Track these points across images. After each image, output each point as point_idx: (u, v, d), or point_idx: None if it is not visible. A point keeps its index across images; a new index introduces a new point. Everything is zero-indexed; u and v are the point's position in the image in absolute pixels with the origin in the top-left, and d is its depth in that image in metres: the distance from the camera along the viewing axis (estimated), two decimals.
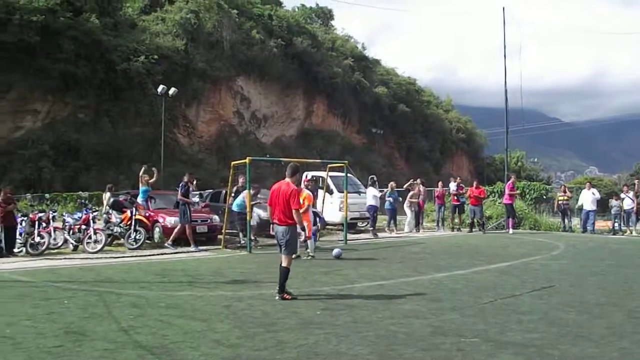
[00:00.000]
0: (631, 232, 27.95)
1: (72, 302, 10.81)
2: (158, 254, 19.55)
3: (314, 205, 24.66)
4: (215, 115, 68.69)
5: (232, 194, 22.57)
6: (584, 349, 7.71)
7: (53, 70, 50.50)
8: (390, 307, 10.37)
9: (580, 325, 9.00)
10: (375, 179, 28.89)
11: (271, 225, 12.15)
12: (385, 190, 28.91)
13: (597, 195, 28.60)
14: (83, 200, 30.29)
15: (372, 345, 7.79)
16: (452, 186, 30.53)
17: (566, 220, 29.74)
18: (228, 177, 23.16)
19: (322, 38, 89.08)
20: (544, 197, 34.54)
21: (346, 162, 25.38)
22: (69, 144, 51.61)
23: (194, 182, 24.04)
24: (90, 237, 20.06)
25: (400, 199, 30.27)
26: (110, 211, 22.96)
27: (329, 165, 27.31)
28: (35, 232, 19.46)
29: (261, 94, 75.70)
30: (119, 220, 21.96)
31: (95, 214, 21.44)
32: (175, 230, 20.91)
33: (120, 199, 24.61)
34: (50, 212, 21.49)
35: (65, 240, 20.62)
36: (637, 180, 30.12)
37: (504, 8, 37.05)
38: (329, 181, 27.42)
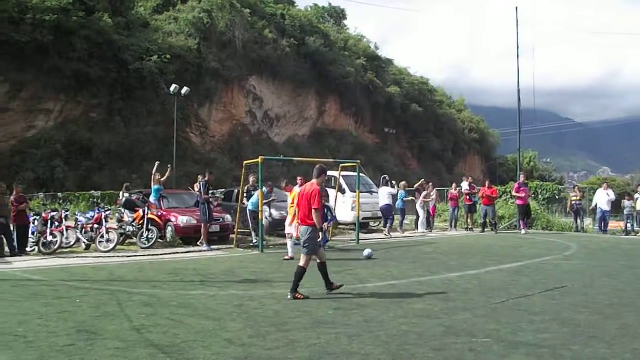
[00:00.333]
0: None
1: (84, 301, 10.83)
2: (170, 253, 19.58)
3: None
4: (228, 115, 68.66)
5: (245, 194, 22.58)
6: (596, 349, 7.69)
7: (65, 69, 50.56)
8: (402, 306, 10.36)
9: (592, 325, 8.97)
10: (387, 178, 28.88)
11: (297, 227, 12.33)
12: (398, 189, 28.91)
13: (612, 197, 28.39)
14: (95, 199, 30.39)
15: (383, 345, 7.78)
16: (464, 185, 30.49)
17: (578, 221, 29.62)
18: (240, 176, 23.17)
19: (335, 37, 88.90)
20: (556, 197, 34.44)
21: (358, 161, 25.37)
22: (81, 143, 51.65)
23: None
24: (102, 236, 20.13)
25: (411, 198, 30.28)
26: (123, 210, 23.01)
27: (341, 165, 27.26)
28: (48, 231, 19.50)
29: (273, 93, 75.62)
30: (131, 219, 22.00)
31: (107, 212, 21.52)
32: (202, 230, 20.97)
33: (133, 197, 24.63)
34: (63, 211, 21.60)
35: (78, 239, 20.69)
36: None
37: (516, 8, 37.06)
38: (341, 180, 27.38)
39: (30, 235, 19.96)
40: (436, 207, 31.65)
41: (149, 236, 20.91)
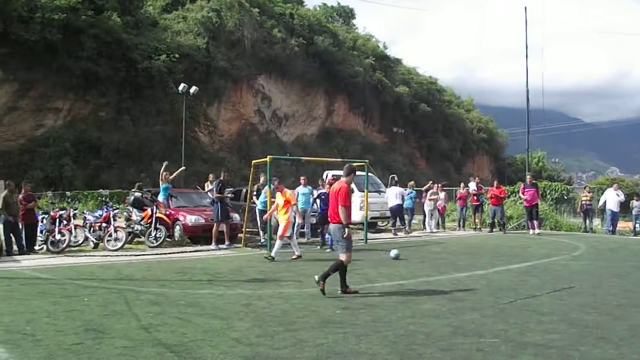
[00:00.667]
0: None
1: (92, 300, 10.84)
2: (178, 252, 19.60)
3: None
4: (236, 114, 68.73)
5: (255, 193, 22.59)
6: (605, 350, 7.66)
7: (74, 68, 50.68)
8: (410, 306, 10.34)
9: (600, 326, 8.93)
10: (396, 178, 28.86)
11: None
12: (407, 189, 28.92)
13: (622, 197, 28.26)
14: (104, 198, 30.44)
15: (391, 345, 7.76)
16: (472, 186, 30.45)
17: (587, 221, 29.53)
18: (249, 175, 23.17)
19: (344, 37, 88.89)
20: (565, 197, 34.36)
21: (367, 161, 25.31)
22: (90, 142, 51.77)
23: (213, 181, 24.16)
24: (110, 235, 20.16)
25: (418, 199, 30.32)
26: (131, 209, 23.04)
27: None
28: (56, 229, 19.53)
29: (282, 92, 75.67)
30: (139, 218, 22.02)
31: (115, 211, 21.55)
32: (224, 230, 20.97)
33: (141, 196, 24.65)
34: (71, 209, 21.61)
35: (86, 238, 20.73)
36: None
37: (525, 8, 36.97)
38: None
39: (38, 233, 20.00)
40: (445, 207, 31.59)
41: (157, 235, 20.92)
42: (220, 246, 20.60)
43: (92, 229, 21.03)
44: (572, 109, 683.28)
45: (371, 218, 26.82)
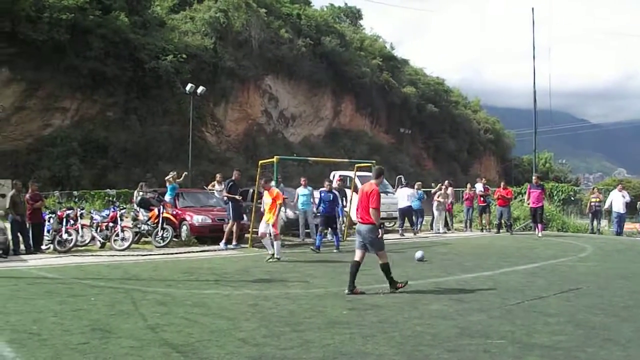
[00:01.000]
0: None
1: (99, 299, 10.87)
2: (185, 252, 19.62)
3: (343, 204, 24.71)
4: (243, 114, 68.72)
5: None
6: (612, 352, 7.66)
7: (82, 68, 50.73)
8: (417, 307, 10.34)
9: (607, 328, 8.93)
10: (403, 179, 28.86)
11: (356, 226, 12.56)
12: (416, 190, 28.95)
13: (628, 198, 28.24)
14: (111, 198, 30.48)
15: (398, 346, 7.76)
16: (479, 187, 30.42)
17: (595, 222, 29.48)
18: (256, 175, 23.18)
19: (351, 37, 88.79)
20: (572, 198, 34.31)
21: (374, 161, 25.30)
22: (97, 142, 51.83)
23: (221, 181, 24.20)
24: (117, 235, 20.20)
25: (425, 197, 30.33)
26: (138, 209, 23.07)
27: (356, 165, 27.24)
28: (63, 229, 19.59)
29: (289, 93, 75.61)
30: (146, 218, 22.05)
31: (122, 211, 21.58)
32: (234, 230, 20.96)
33: (148, 196, 24.67)
34: (78, 209, 21.67)
35: (93, 238, 20.79)
36: None
37: (532, 9, 36.90)
38: (357, 181, 27.32)
39: (45, 233, 20.06)
40: (452, 204, 31.58)
41: (164, 235, 20.95)
42: (228, 246, 20.62)
43: (99, 228, 21.09)
44: (579, 110, 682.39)
45: None
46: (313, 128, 79.85)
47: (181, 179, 25.74)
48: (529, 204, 27.99)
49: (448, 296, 11.44)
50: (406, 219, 28.24)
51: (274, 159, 20.91)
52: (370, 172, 24.30)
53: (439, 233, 29.03)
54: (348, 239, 24.49)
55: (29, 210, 19.36)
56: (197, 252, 19.83)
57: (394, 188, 31.16)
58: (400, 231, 27.63)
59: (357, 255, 11.94)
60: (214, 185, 26.09)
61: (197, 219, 22.12)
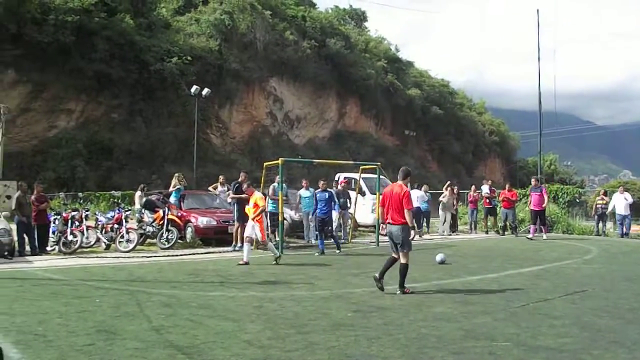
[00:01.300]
0: None
1: (104, 301, 10.88)
2: (190, 254, 19.63)
3: (347, 206, 24.72)
4: (248, 116, 68.80)
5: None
6: (617, 354, 7.64)
7: (87, 70, 50.88)
8: (422, 309, 10.33)
9: (613, 330, 8.91)
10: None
11: (383, 226, 12.89)
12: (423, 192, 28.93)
13: (630, 200, 28.20)
14: (116, 200, 30.51)
15: (403, 348, 7.75)
16: (485, 189, 30.39)
17: (600, 224, 29.42)
18: (260, 177, 23.18)
19: (356, 39, 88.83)
20: (577, 200, 34.24)
21: (379, 163, 25.29)
22: (102, 144, 51.97)
23: (224, 183, 24.23)
24: (122, 237, 20.22)
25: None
26: (143, 211, 23.09)
27: (361, 167, 27.22)
28: (68, 230, 19.63)
29: (294, 95, 75.67)
30: (151, 219, 22.07)
31: (127, 213, 21.60)
32: (239, 231, 20.92)
33: (153, 198, 24.69)
34: (83, 210, 21.68)
35: (98, 239, 20.82)
36: None
37: (537, 10, 36.86)
38: (362, 183, 27.32)
39: (50, 234, 20.10)
40: (457, 207, 31.58)
41: (169, 237, 20.97)
42: (236, 247, 20.60)
43: (104, 230, 21.13)
44: (584, 112, 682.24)
45: None
46: (318, 130, 79.91)
47: (183, 182, 25.73)
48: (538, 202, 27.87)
49: (453, 298, 11.43)
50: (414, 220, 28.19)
51: (279, 161, 20.87)
52: (375, 174, 24.39)
53: (443, 235, 29.02)
54: (353, 240, 24.53)
55: (35, 211, 19.41)
56: (202, 253, 19.84)
57: None
58: (419, 232, 27.63)
59: (402, 258, 12.05)
60: (215, 187, 26.09)
61: (202, 220, 22.11)
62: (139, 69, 54.55)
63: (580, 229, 30.71)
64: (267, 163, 22.78)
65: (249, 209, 17.49)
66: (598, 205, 29.17)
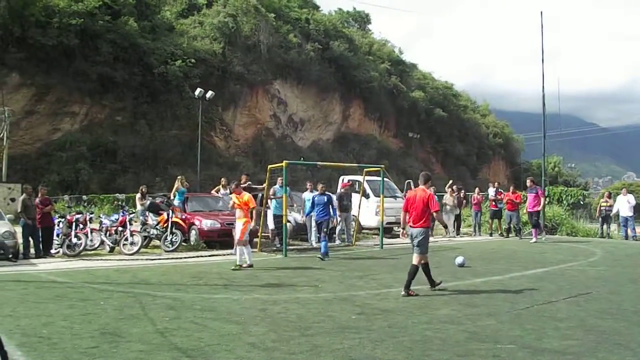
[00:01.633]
0: None
1: (108, 304, 10.88)
2: (194, 257, 19.61)
3: (350, 209, 24.70)
4: (252, 119, 68.91)
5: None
6: (622, 356, 7.61)
7: (91, 72, 51.05)
8: (426, 312, 10.31)
9: (618, 332, 8.87)
10: (412, 183, 28.79)
11: (404, 231, 12.82)
12: None
13: (633, 202, 28.13)
14: (120, 202, 30.50)
15: (407, 351, 7.73)
16: (491, 192, 30.34)
17: (604, 227, 29.35)
18: (264, 180, 23.17)
19: (359, 42, 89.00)
20: (581, 202, 34.17)
21: (382, 166, 25.30)
22: (106, 146, 52.13)
23: (228, 185, 24.22)
24: (126, 239, 20.20)
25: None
26: (147, 213, 23.10)
27: (365, 170, 27.18)
28: (72, 233, 19.65)
29: (298, 97, 75.78)
30: (155, 222, 22.08)
31: (131, 215, 21.62)
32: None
33: (157, 201, 24.69)
34: (88, 213, 21.73)
35: (102, 242, 20.82)
36: None
37: (541, 12, 36.75)
38: (366, 185, 27.26)
39: (55, 237, 20.13)
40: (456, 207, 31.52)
41: (173, 239, 20.95)
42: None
43: (108, 233, 21.12)
44: (588, 114, 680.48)
45: (387, 223, 26.72)
46: (322, 132, 79.99)
47: (186, 185, 25.72)
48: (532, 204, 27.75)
49: (457, 301, 11.41)
50: None
51: (283, 164, 20.86)
52: (379, 176, 24.36)
53: (447, 237, 28.96)
54: (357, 243, 24.50)
55: (39, 214, 19.43)
56: (206, 256, 19.82)
57: (402, 192, 31.08)
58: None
59: (415, 260, 12.22)
60: (218, 190, 26.07)
61: (206, 223, 22.09)
62: (143, 71, 54.72)
63: (585, 231, 30.62)
64: (271, 165, 22.73)
65: (239, 211, 17.08)
66: (602, 207, 29.08)
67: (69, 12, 49.33)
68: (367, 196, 27.60)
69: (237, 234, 16.95)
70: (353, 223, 25.37)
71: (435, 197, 12.65)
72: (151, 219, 22.56)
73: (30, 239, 19.27)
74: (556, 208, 31.68)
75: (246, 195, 17.19)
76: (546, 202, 29.37)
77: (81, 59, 50.57)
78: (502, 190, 30.69)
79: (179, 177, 25.23)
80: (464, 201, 32.41)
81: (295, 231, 24.28)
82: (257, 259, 18.33)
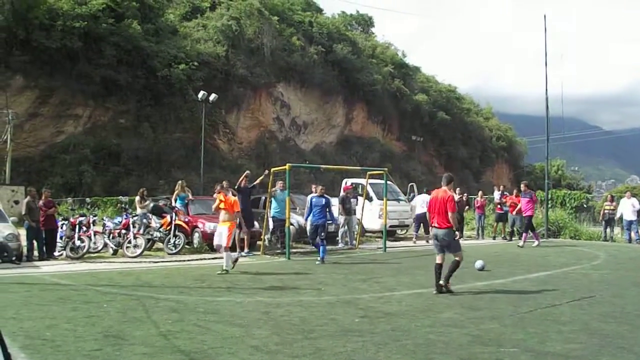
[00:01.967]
0: None
1: (112, 306, 10.88)
2: (197, 259, 19.63)
3: (354, 212, 24.71)
4: (255, 122, 68.86)
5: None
6: None
7: (95, 75, 51.04)
8: (429, 315, 10.30)
9: (621, 336, 8.86)
10: (415, 186, 28.79)
11: (430, 229, 13.52)
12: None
13: (637, 206, 28.08)
14: (123, 205, 30.52)
15: (410, 354, 7.73)
16: (496, 195, 30.31)
17: (608, 230, 29.31)
18: (268, 183, 23.18)
19: (362, 45, 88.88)
20: (585, 205, 34.14)
21: (386, 169, 25.31)
22: (109, 149, 52.11)
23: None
24: (130, 242, 20.21)
25: None
26: (150, 216, 23.11)
27: (368, 173, 27.18)
28: (76, 235, 19.67)
29: (301, 100, 75.70)
30: (158, 225, 22.09)
31: (135, 218, 21.64)
32: (245, 237, 20.90)
33: (160, 204, 24.70)
34: (91, 216, 21.72)
35: (105, 245, 20.87)
36: None
37: (545, 16, 36.73)
38: (369, 188, 27.26)
39: (58, 240, 20.17)
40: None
41: (177, 242, 20.97)
42: (242, 253, 20.57)
43: (111, 235, 21.17)
44: (591, 117, 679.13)
45: (390, 226, 26.73)
46: (325, 135, 79.92)
47: (187, 190, 25.72)
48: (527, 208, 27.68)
49: (460, 304, 11.40)
50: (422, 225, 28.04)
51: (286, 167, 20.85)
52: (382, 179, 24.38)
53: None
54: (361, 246, 24.50)
55: (42, 216, 19.47)
56: (209, 259, 19.81)
57: (406, 196, 31.08)
58: (414, 238, 27.58)
59: (438, 259, 12.69)
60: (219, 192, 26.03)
61: (210, 226, 22.02)
62: (146, 74, 54.73)
63: (588, 235, 30.63)
64: (274, 168, 22.74)
65: (223, 214, 16.73)
66: (605, 211, 29.05)
67: (72, 15, 49.38)
68: (370, 199, 27.60)
69: (223, 240, 16.43)
70: (357, 226, 25.38)
71: (455, 198, 12.90)
72: (154, 221, 22.57)
73: (34, 241, 19.32)
74: (559, 211, 31.66)
75: (232, 199, 17.07)
76: (537, 207, 29.31)
77: (85, 62, 50.60)
78: (507, 193, 30.62)
79: (179, 182, 25.25)
80: (467, 206, 32.36)
81: (298, 234, 24.28)
82: (260, 262, 18.36)
